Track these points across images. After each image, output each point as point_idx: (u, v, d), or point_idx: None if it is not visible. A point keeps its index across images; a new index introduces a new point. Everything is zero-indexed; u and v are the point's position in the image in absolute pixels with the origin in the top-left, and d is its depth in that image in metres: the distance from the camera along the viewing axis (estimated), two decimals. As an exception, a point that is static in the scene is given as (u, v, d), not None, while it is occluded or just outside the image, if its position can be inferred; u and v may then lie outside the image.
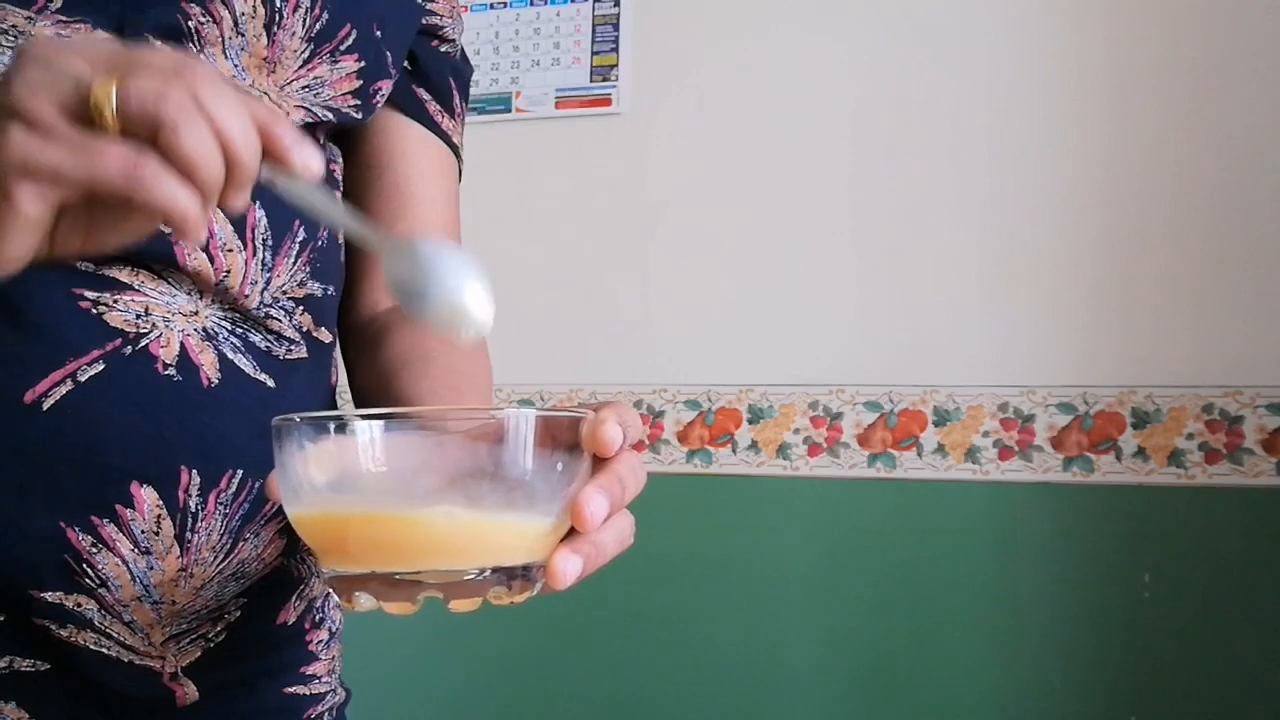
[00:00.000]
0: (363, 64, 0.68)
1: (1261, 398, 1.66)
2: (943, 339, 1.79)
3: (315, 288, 0.66)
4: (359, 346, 0.74)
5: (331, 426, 0.45)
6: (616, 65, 1.94)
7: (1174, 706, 1.67)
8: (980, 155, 1.78)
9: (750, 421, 1.86)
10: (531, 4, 1.99)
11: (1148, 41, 1.72)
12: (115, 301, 0.56)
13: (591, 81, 1.96)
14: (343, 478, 0.45)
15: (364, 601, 0.45)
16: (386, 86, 0.72)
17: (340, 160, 0.74)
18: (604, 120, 1.95)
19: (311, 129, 0.68)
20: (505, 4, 2.00)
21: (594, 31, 1.96)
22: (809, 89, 1.86)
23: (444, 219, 0.78)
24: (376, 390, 0.69)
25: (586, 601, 1.86)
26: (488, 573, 0.45)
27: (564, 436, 0.46)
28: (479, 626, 1.91)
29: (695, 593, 1.85)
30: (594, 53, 1.96)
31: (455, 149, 0.80)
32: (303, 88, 0.65)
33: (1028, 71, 1.77)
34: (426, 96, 0.77)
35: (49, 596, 0.56)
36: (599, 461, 0.47)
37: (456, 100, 0.79)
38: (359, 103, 0.69)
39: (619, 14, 1.95)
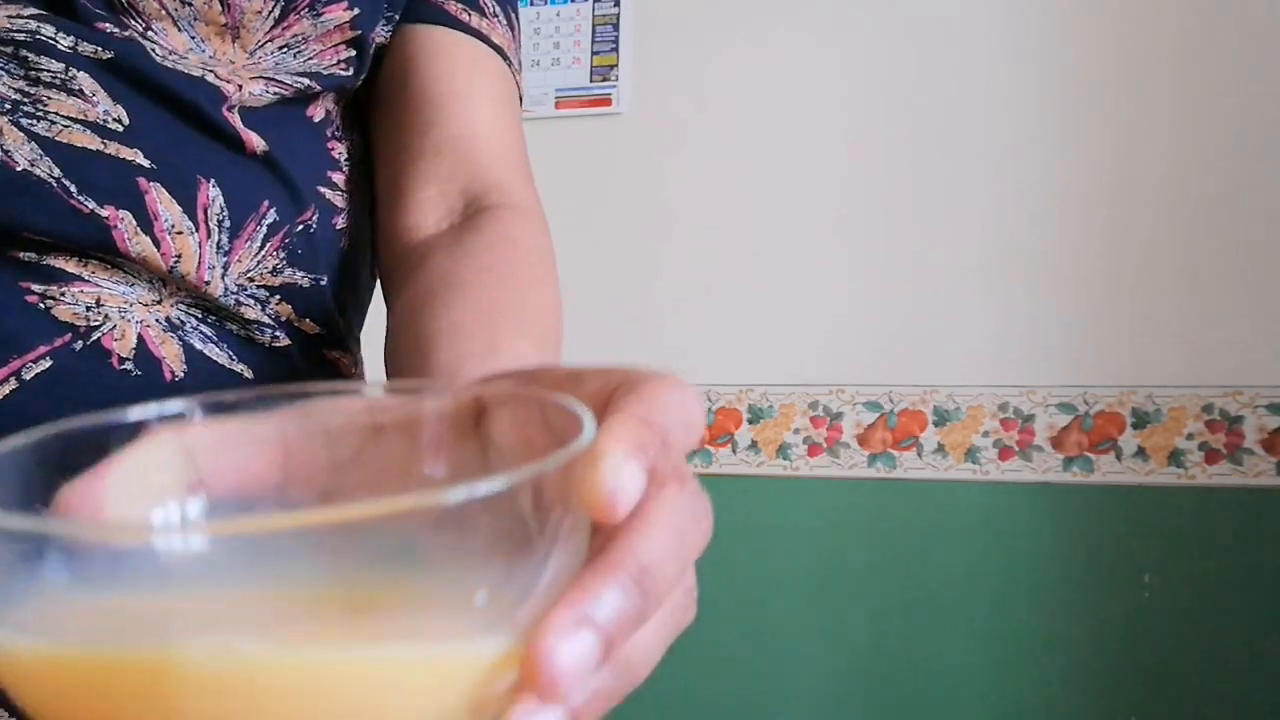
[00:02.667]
0: (356, 11, 0.59)
1: (1261, 398, 1.66)
2: (943, 339, 1.79)
3: (297, 276, 0.59)
4: (398, 280, 0.61)
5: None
6: (616, 65, 1.94)
7: (1174, 706, 1.67)
8: (981, 156, 1.78)
9: (750, 421, 1.86)
10: (531, 4, 1.98)
11: (1149, 41, 1.72)
12: (63, 294, 0.51)
13: (591, 81, 1.95)
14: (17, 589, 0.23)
15: None
16: (386, 34, 0.63)
17: (342, 137, 0.65)
18: (604, 120, 1.94)
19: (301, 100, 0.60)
20: (505, 4, 2.01)
21: (594, 31, 1.96)
22: (809, 89, 1.86)
23: (493, 120, 0.63)
24: (401, 327, 0.58)
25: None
26: None
27: (535, 500, 0.24)
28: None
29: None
30: (594, 53, 1.96)
31: (497, 49, 0.65)
32: (280, 48, 0.57)
33: (1028, 70, 1.77)
34: None
35: None
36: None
37: None
38: (354, 54, 0.60)
39: (619, 14, 1.95)
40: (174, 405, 0.29)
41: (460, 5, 0.65)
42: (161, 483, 0.28)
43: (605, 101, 1.95)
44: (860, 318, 1.82)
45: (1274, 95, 1.68)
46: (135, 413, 0.28)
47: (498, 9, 0.67)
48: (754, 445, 1.85)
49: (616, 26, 1.95)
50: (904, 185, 1.81)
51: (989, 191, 1.78)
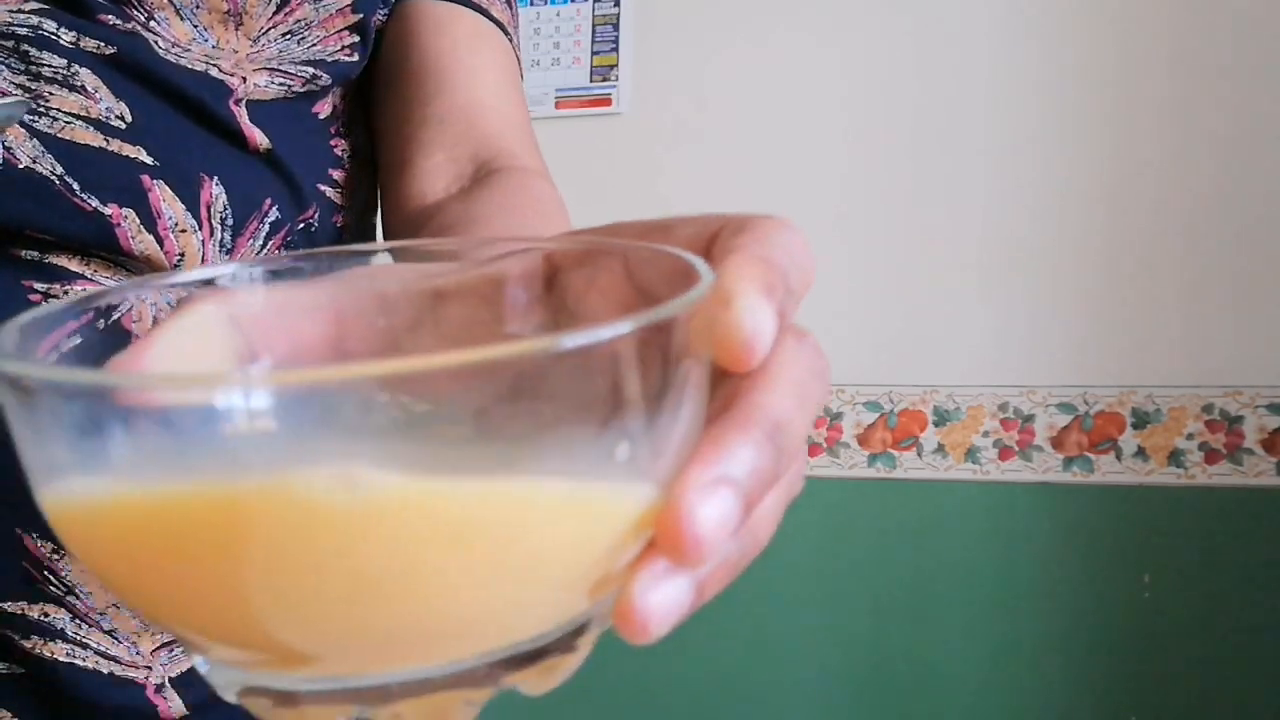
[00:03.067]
0: None
1: (1261, 398, 1.66)
2: (943, 339, 1.79)
3: None
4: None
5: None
6: (616, 65, 1.94)
7: (1174, 706, 1.67)
8: (981, 155, 1.78)
9: (750, 421, 1.86)
10: (531, 4, 1.98)
11: (1151, 40, 1.72)
12: (65, 292, 0.51)
13: (591, 81, 1.95)
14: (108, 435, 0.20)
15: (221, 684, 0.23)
16: (383, 18, 0.63)
17: (345, 134, 0.64)
18: (604, 120, 1.94)
19: (307, 97, 0.59)
20: (505, 4, 2.01)
21: (594, 31, 1.96)
22: (809, 88, 1.86)
23: (498, 91, 0.62)
24: None
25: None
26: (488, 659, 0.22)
27: (661, 342, 0.21)
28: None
29: (695, 593, 1.84)
30: (594, 53, 1.96)
31: (498, 23, 0.65)
32: (284, 35, 0.57)
33: (1028, 70, 1.77)
34: None
35: (9, 606, 0.53)
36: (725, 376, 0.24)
37: None
38: (357, 39, 0.60)
39: (619, 14, 1.95)
40: (215, 271, 0.26)
41: None
42: (211, 352, 0.25)
43: (605, 101, 1.94)
44: (860, 317, 1.82)
45: (1274, 94, 1.68)
46: (174, 278, 0.26)
47: None
48: (754, 445, 1.85)
49: (616, 26, 1.95)
50: (904, 185, 1.81)
51: (989, 191, 1.78)
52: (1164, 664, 1.68)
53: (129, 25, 0.52)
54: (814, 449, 1.82)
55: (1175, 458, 1.69)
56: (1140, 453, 1.70)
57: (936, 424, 1.79)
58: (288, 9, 0.56)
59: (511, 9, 0.67)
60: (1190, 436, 1.69)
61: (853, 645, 1.79)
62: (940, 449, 1.78)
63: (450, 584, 0.20)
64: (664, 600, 0.22)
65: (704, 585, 0.23)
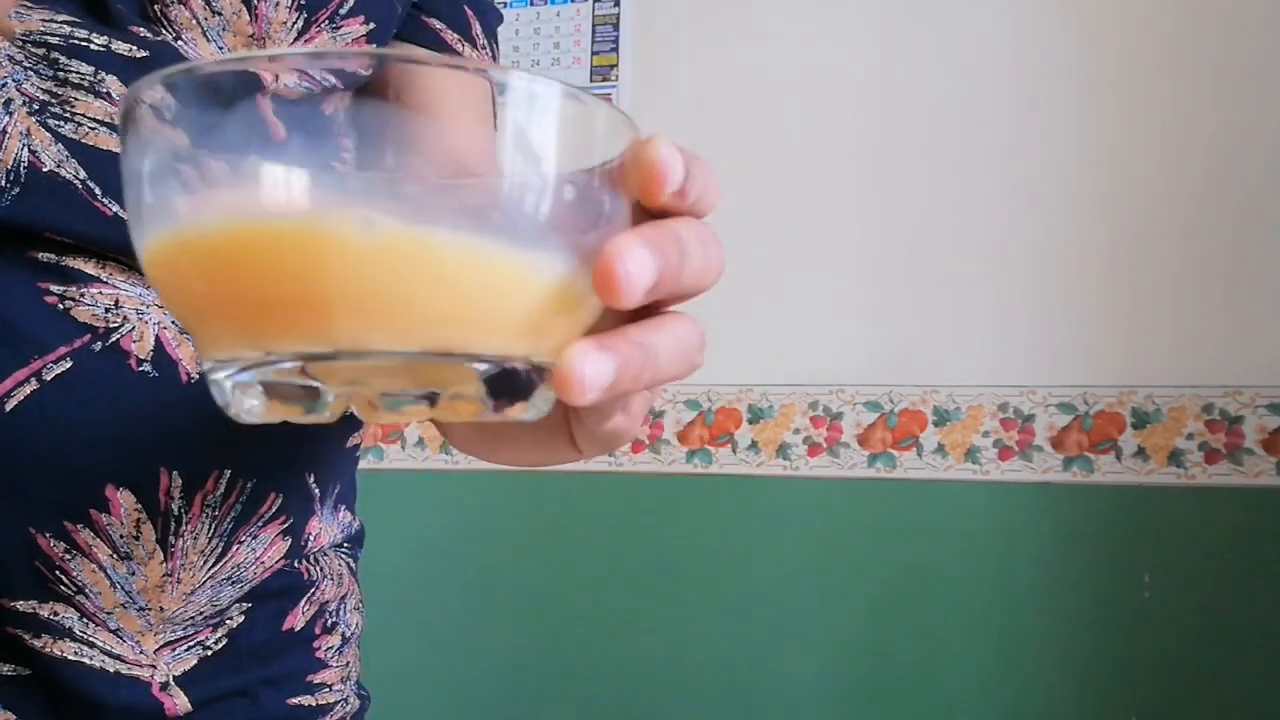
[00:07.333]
0: (372, 26, 0.62)
1: (1261, 398, 1.66)
2: (943, 339, 1.79)
3: None
4: None
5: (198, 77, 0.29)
6: (616, 65, 1.94)
7: (1174, 706, 1.67)
8: (982, 155, 1.78)
9: (750, 421, 1.86)
10: (531, 4, 1.98)
11: (1153, 42, 1.72)
12: (82, 295, 0.53)
13: (591, 81, 1.95)
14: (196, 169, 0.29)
15: (248, 404, 0.29)
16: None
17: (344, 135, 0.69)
18: (604, 120, 1.94)
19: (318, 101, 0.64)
20: (505, 4, 2.00)
21: (594, 31, 1.96)
22: (810, 88, 1.86)
23: (484, 144, 0.73)
24: None
25: (588, 601, 1.86)
26: (441, 357, 0.28)
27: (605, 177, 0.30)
28: (476, 625, 1.91)
29: (695, 592, 1.85)
30: (594, 53, 1.96)
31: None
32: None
33: (1031, 71, 1.77)
34: (440, 25, 0.69)
35: (20, 605, 0.54)
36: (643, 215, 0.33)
37: (477, 29, 0.70)
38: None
39: (619, 14, 1.95)
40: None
41: (456, 36, 0.69)
42: None
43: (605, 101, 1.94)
44: (860, 317, 1.82)
45: (1274, 95, 1.68)
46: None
47: (486, 42, 0.71)
48: (754, 445, 1.85)
49: (616, 26, 1.95)
50: (904, 185, 1.81)
51: (989, 191, 1.78)
52: (1164, 664, 1.68)
53: (160, 37, 0.54)
54: (814, 449, 1.82)
55: (1175, 458, 1.69)
56: (1140, 453, 1.70)
57: (936, 424, 1.79)
58: (307, 36, 0.59)
59: (492, 56, 0.73)
60: (1190, 436, 1.69)
61: (852, 645, 1.79)
62: (940, 449, 1.78)
63: (421, 306, 0.27)
64: (592, 365, 0.29)
65: (625, 363, 0.30)
